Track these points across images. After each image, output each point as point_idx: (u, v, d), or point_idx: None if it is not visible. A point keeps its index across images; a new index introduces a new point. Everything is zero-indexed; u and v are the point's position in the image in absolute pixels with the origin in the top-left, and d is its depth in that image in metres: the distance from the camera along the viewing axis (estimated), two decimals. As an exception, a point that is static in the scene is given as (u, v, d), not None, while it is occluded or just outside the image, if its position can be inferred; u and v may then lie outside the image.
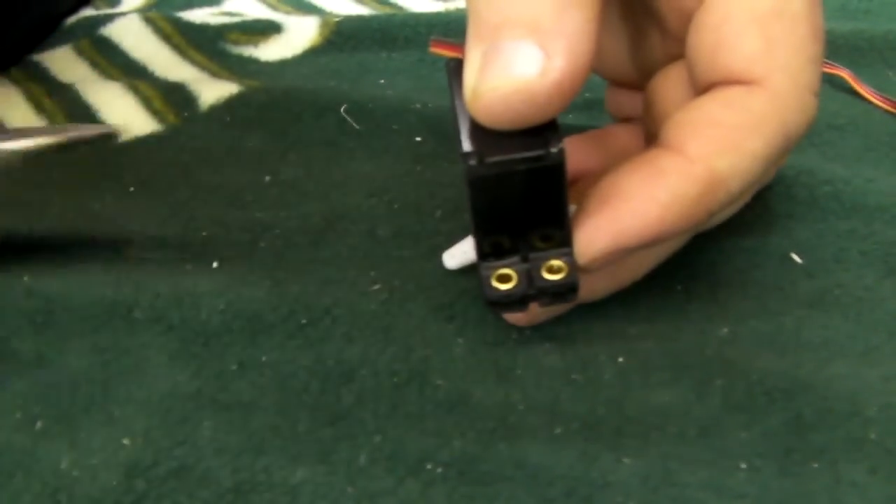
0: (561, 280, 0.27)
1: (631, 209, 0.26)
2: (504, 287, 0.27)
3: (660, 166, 0.26)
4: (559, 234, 0.26)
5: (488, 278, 0.27)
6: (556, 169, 0.25)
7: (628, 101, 0.35)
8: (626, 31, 0.32)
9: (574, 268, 0.27)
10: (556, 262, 0.27)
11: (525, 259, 0.27)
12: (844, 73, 0.43)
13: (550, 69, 0.24)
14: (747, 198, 0.33)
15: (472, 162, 0.25)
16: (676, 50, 0.30)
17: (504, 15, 0.24)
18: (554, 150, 0.25)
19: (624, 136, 0.34)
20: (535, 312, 0.29)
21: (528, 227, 0.26)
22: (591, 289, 0.30)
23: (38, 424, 0.27)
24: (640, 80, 0.33)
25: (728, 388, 0.27)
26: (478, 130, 0.26)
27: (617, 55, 0.33)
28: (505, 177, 0.25)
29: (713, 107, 0.27)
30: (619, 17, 0.32)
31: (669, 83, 0.30)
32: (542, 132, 0.25)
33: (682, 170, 0.26)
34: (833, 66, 0.44)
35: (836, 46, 0.46)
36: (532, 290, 0.27)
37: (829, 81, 0.44)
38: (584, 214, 0.26)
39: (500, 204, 0.26)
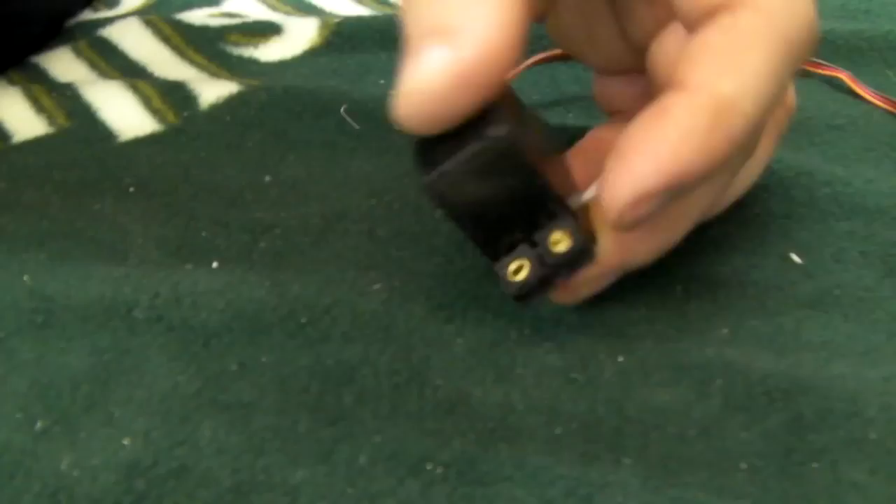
0: (568, 249, 0.27)
1: (643, 153, 0.25)
2: (520, 278, 0.27)
3: (664, 107, 0.26)
4: (552, 209, 0.26)
5: (504, 276, 0.27)
6: (508, 151, 0.25)
7: (619, 91, 0.34)
8: (612, 13, 0.32)
9: (576, 232, 0.27)
10: (555, 235, 0.27)
11: (533, 243, 0.27)
12: (843, 75, 0.43)
13: (453, 61, 0.24)
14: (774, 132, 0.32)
15: (426, 178, 0.25)
16: (665, 14, 0.30)
17: (419, 27, 0.25)
18: (494, 134, 0.25)
19: (612, 137, 0.32)
20: (577, 290, 0.29)
21: (518, 217, 0.26)
22: (633, 252, 0.29)
23: (38, 424, 0.27)
24: (635, 60, 0.32)
25: (728, 387, 0.27)
26: (426, 147, 0.26)
27: (607, 40, 0.33)
28: (463, 179, 0.25)
29: (702, 37, 0.26)
30: (603, 1, 0.32)
31: (667, 45, 0.30)
32: (486, 123, 0.25)
33: (685, 103, 0.25)
34: (832, 67, 0.44)
35: (835, 47, 0.46)
36: (547, 270, 0.27)
37: (829, 83, 0.44)
38: (605, 173, 0.26)
39: (478, 207, 0.26)
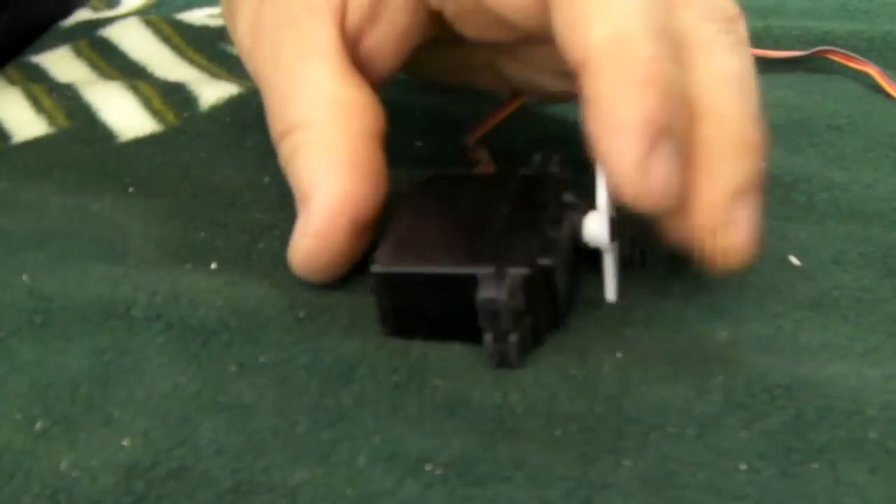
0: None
1: (613, 132, 0.26)
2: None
3: (589, 96, 0.27)
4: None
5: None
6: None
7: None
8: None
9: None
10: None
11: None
12: (873, 70, 0.43)
13: (305, 231, 0.31)
14: None
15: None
16: None
17: (294, 188, 0.32)
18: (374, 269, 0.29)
19: None
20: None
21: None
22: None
23: (38, 425, 0.27)
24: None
25: (728, 384, 0.27)
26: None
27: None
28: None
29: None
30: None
31: None
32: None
33: (591, 77, 0.27)
34: (862, 61, 0.44)
35: (835, 47, 0.46)
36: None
37: (858, 78, 0.44)
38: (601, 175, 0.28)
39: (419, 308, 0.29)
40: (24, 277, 0.32)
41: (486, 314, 0.28)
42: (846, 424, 0.26)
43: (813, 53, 0.45)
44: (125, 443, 0.26)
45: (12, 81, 0.46)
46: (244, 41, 0.35)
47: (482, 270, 0.28)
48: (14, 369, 0.29)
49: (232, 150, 0.40)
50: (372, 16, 0.33)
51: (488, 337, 0.28)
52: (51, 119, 0.43)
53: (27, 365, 0.29)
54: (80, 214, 0.36)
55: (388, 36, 0.34)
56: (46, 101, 0.44)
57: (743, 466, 0.25)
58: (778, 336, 0.30)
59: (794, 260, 0.33)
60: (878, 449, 0.26)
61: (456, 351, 0.29)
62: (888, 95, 0.42)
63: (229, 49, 0.48)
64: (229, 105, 0.43)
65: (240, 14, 0.35)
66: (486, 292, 0.27)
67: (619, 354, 0.29)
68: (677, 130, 0.27)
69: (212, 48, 0.48)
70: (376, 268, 0.29)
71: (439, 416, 0.27)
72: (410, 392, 0.28)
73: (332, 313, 0.30)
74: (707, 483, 0.25)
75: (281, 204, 0.36)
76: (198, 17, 0.52)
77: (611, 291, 0.30)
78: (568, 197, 0.30)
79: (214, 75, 0.46)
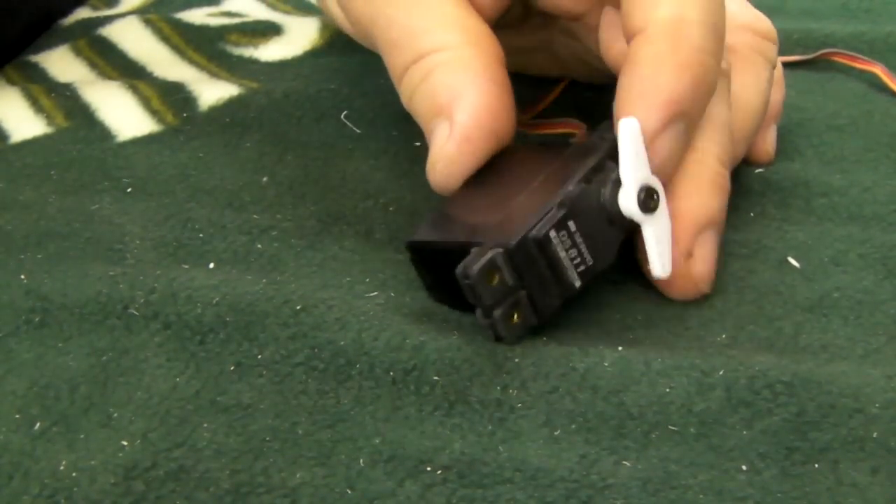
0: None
1: (639, 100, 0.29)
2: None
3: (632, 59, 0.30)
4: None
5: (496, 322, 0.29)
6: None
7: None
8: None
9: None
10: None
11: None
12: (879, 69, 0.43)
13: (451, 136, 0.31)
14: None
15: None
16: None
17: (424, 113, 0.32)
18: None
19: None
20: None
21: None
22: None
23: (37, 426, 0.27)
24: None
25: (730, 380, 0.27)
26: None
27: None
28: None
29: None
30: None
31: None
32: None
33: (643, 44, 0.30)
34: (867, 61, 0.44)
35: (837, 49, 0.46)
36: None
37: (859, 78, 0.44)
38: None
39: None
40: (22, 277, 0.32)
41: (466, 289, 0.28)
42: (848, 423, 0.26)
43: (817, 57, 0.45)
44: (124, 443, 0.26)
45: (11, 81, 0.46)
46: None
47: (477, 243, 0.28)
48: (12, 369, 0.29)
49: (230, 151, 0.40)
50: None
51: (477, 312, 0.28)
52: (49, 119, 0.43)
53: (25, 365, 0.29)
54: (78, 214, 0.36)
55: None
56: (45, 101, 0.44)
57: (744, 467, 0.25)
58: (778, 338, 0.30)
59: (793, 262, 0.33)
60: (880, 448, 0.26)
61: (454, 341, 0.29)
62: (889, 96, 0.42)
63: (229, 49, 0.48)
64: (228, 105, 0.43)
65: None
66: (460, 268, 0.28)
67: (620, 348, 0.29)
68: (692, 117, 0.29)
69: (211, 48, 0.48)
70: (410, 239, 0.31)
71: (439, 415, 0.27)
72: (409, 390, 0.28)
73: (328, 304, 0.30)
74: (708, 484, 0.25)
75: (279, 205, 0.36)
76: (197, 16, 0.52)
77: (657, 266, 0.29)
78: (609, 164, 0.29)
79: (214, 75, 0.46)
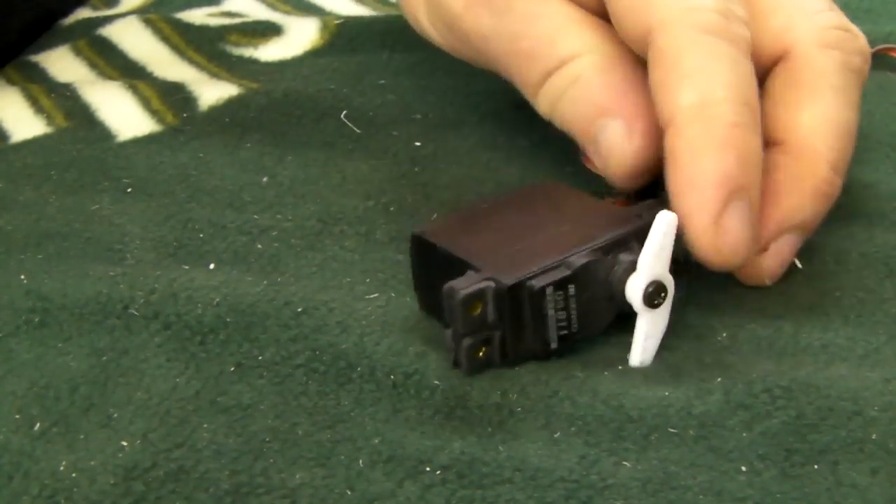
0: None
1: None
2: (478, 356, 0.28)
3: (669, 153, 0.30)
4: None
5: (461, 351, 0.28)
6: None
7: None
8: None
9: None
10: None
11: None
12: None
13: (633, 128, 0.31)
14: None
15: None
16: None
17: (578, 113, 0.33)
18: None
19: None
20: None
21: None
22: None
23: (37, 426, 0.27)
24: None
25: (729, 385, 0.27)
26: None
27: None
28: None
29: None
30: None
31: None
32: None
33: (673, 135, 0.29)
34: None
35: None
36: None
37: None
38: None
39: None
40: (22, 277, 0.32)
41: (446, 308, 0.28)
42: (847, 425, 0.26)
43: (875, 52, 0.45)
44: (124, 444, 0.26)
45: (11, 81, 0.46)
46: (454, 6, 0.35)
47: (477, 267, 0.28)
48: (12, 370, 0.29)
49: (230, 151, 0.40)
50: None
51: (448, 331, 0.28)
52: (49, 119, 0.43)
53: (25, 365, 0.29)
54: (78, 214, 0.36)
55: None
56: (45, 101, 0.44)
57: (744, 468, 0.25)
58: (778, 338, 0.30)
59: (796, 261, 0.33)
60: (880, 450, 0.26)
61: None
62: (890, 96, 0.42)
63: (229, 49, 0.48)
64: (228, 105, 0.43)
65: None
66: (448, 287, 0.27)
67: (619, 367, 0.29)
68: (751, 191, 0.28)
69: (212, 48, 0.48)
70: (417, 231, 0.30)
71: (439, 417, 0.27)
72: (409, 393, 0.28)
73: (329, 307, 0.30)
74: (707, 485, 0.25)
75: (279, 205, 0.36)
76: (197, 16, 0.52)
77: (635, 357, 0.29)
78: (633, 244, 0.29)
79: (214, 75, 0.46)
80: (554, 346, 0.29)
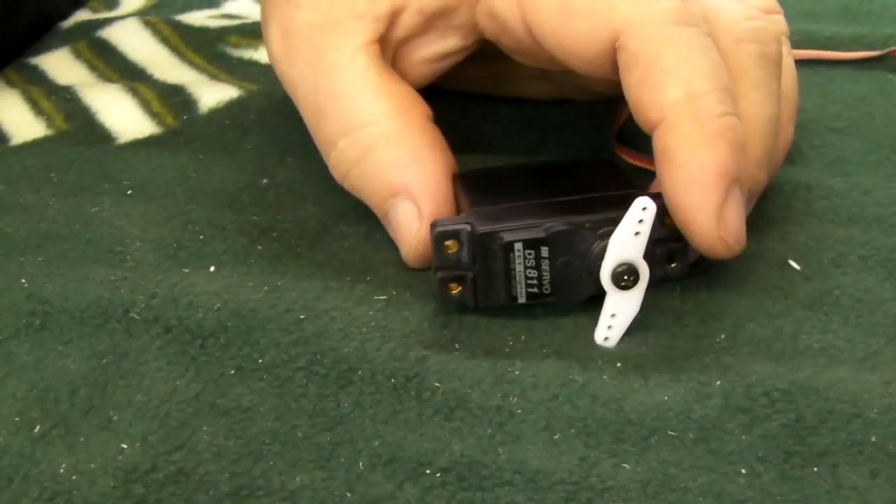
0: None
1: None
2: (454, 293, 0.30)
3: (662, 151, 0.30)
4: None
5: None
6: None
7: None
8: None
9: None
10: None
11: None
12: None
13: (421, 217, 0.32)
14: None
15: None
16: None
17: (370, 188, 0.33)
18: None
19: None
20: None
21: None
22: None
23: (37, 429, 0.27)
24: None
25: (728, 388, 0.27)
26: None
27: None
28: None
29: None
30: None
31: None
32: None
33: (665, 132, 0.29)
34: None
35: (838, 51, 0.46)
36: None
37: (859, 80, 0.44)
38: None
39: None
40: (23, 281, 0.32)
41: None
42: (846, 428, 0.26)
43: (888, 53, 0.45)
44: (124, 446, 0.26)
45: (11, 83, 0.46)
46: (274, 47, 0.35)
47: (469, 212, 0.31)
48: (13, 372, 0.29)
49: (230, 153, 0.40)
50: (423, 30, 0.34)
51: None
52: (49, 121, 0.43)
53: (26, 368, 0.29)
54: (78, 216, 0.36)
55: (434, 52, 0.35)
56: (45, 103, 0.44)
57: (743, 470, 0.25)
58: (777, 338, 0.30)
59: (793, 263, 0.33)
60: (879, 452, 0.26)
61: (455, 353, 0.29)
62: (889, 98, 0.42)
63: (229, 50, 0.48)
64: (228, 107, 0.43)
65: (269, 23, 0.35)
66: (434, 221, 0.30)
67: (618, 364, 0.29)
68: (740, 177, 0.29)
69: (211, 49, 0.48)
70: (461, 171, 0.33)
71: (439, 419, 0.27)
72: (409, 395, 0.28)
73: (330, 316, 0.30)
74: (707, 487, 0.25)
75: (279, 206, 0.36)
76: (197, 18, 0.52)
77: (599, 334, 0.30)
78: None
79: (214, 77, 0.46)
80: (522, 300, 0.30)
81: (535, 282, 0.30)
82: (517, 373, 0.28)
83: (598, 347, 0.29)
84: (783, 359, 0.29)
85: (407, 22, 0.34)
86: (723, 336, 0.30)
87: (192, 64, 0.47)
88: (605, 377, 0.28)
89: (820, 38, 0.47)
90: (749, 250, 0.33)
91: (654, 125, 0.29)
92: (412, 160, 0.32)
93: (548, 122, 0.41)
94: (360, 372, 0.28)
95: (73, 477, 0.26)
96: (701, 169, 0.28)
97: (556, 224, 0.29)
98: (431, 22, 0.34)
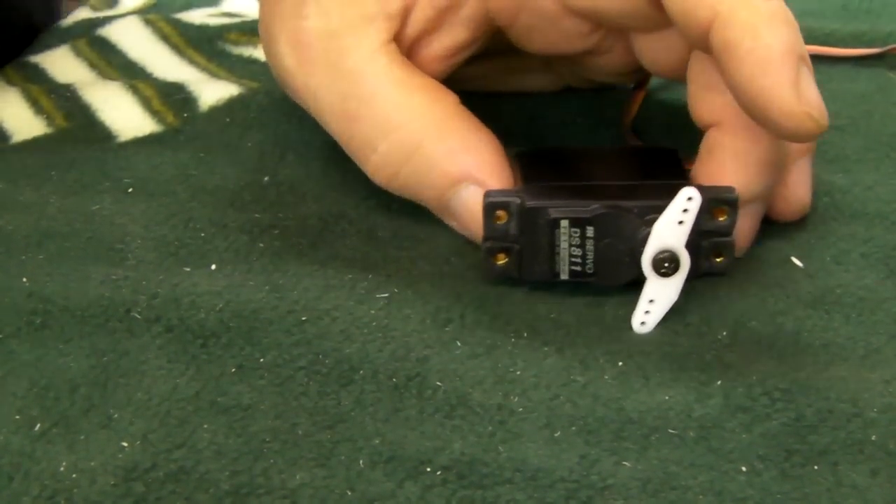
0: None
1: None
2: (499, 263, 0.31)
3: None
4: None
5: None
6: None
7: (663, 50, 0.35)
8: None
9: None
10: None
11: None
12: None
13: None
14: None
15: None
16: None
17: (427, 182, 0.33)
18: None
19: None
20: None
21: None
22: None
23: (37, 427, 0.27)
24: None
25: (728, 388, 0.27)
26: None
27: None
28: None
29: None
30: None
31: None
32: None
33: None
34: None
35: (837, 48, 0.46)
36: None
37: (859, 78, 0.44)
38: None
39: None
40: (24, 279, 0.32)
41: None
42: (846, 427, 0.26)
43: (888, 51, 0.45)
44: (124, 444, 0.26)
45: (11, 82, 0.46)
46: (286, 60, 0.34)
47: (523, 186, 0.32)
48: (13, 371, 0.29)
49: (231, 151, 0.40)
50: (435, 27, 0.34)
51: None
52: (49, 119, 0.43)
53: (26, 366, 0.29)
54: (79, 215, 0.36)
55: (446, 47, 0.35)
56: (45, 102, 0.44)
57: (744, 468, 0.25)
58: (778, 336, 0.30)
59: (795, 261, 0.33)
60: (879, 451, 0.26)
61: (456, 353, 0.29)
62: (889, 96, 0.42)
63: (229, 48, 0.48)
64: (229, 105, 0.43)
65: (277, 36, 0.35)
66: (490, 189, 0.31)
67: (620, 363, 0.29)
68: (806, 54, 0.29)
69: (211, 47, 0.48)
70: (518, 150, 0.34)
71: (439, 417, 0.27)
72: (410, 393, 0.28)
73: (332, 316, 0.30)
74: (708, 485, 0.25)
75: (280, 203, 0.36)
76: (197, 16, 0.52)
77: (636, 319, 0.30)
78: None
79: (214, 75, 0.46)
80: (564, 277, 0.31)
81: (578, 260, 0.31)
82: (518, 372, 0.28)
83: (599, 346, 0.29)
84: (784, 357, 0.29)
85: (418, 17, 0.34)
86: (724, 334, 0.30)
87: (192, 62, 0.47)
88: (605, 376, 0.28)
89: (820, 36, 0.47)
90: (751, 248, 0.33)
91: (706, 24, 0.29)
92: (464, 146, 0.33)
93: (548, 120, 0.41)
94: (361, 371, 0.28)
95: (74, 475, 0.26)
96: (768, 49, 0.28)
97: (603, 206, 0.30)
98: (442, 16, 0.34)
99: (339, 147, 0.40)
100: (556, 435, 0.26)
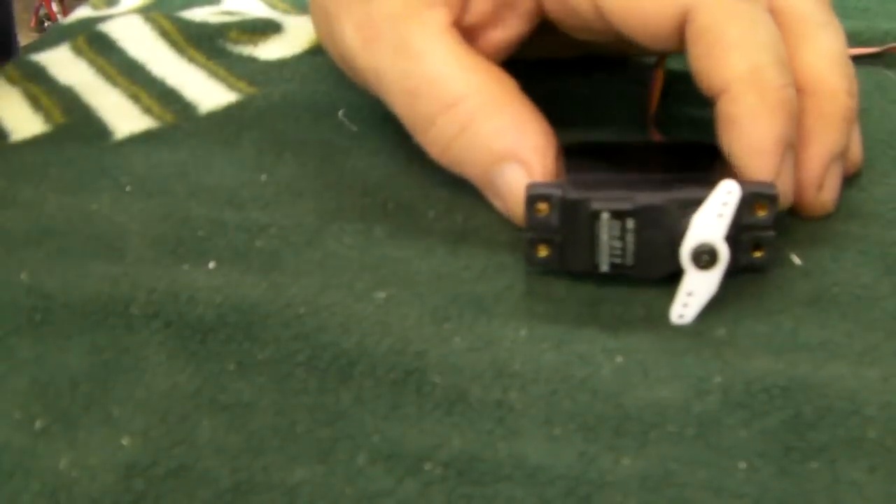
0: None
1: None
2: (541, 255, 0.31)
3: (726, 118, 0.32)
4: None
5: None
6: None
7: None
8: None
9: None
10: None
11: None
12: None
13: (534, 173, 0.33)
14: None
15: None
16: None
17: (473, 157, 0.34)
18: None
19: None
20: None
21: None
22: None
23: (37, 424, 0.27)
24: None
25: (727, 385, 0.27)
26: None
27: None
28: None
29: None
30: None
31: None
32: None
33: (729, 101, 0.32)
34: None
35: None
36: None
37: (857, 77, 0.44)
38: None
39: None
40: (23, 276, 0.32)
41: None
42: (845, 424, 0.26)
43: (886, 50, 0.45)
44: (124, 441, 0.26)
45: (10, 80, 0.46)
46: (351, 41, 0.36)
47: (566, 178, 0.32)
48: (13, 368, 0.29)
49: (229, 148, 0.40)
50: (492, 19, 0.36)
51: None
52: (48, 117, 0.43)
53: (26, 363, 0.29)
54: (77, 212, 0.36)
55: (500, 40, 0.36)
56: (44, 99, 0.44)
57: (742, 465, 0.25)
58: (776, 333, 0.30)
59: (795, 259, 0.33)
60: (878, 447, 0.26)
61: (456, 347, 0.29)
62: (886, 95, 0.42)
63: (228, 47, 0.48)
64: (227, 104, 0.43)
65: (342, 19, 0.36)
66: (533, 181, 0.32)
67: (619, 359, 0.29)
68: (794, 142, 0.32)
69: (211, 45, 0.48)
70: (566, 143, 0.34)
71: (438, 414, 0.27)
72: (409, 390, 0.28)
73: (330, 311, 0.30)
74: (706, 482, 0.25)
75: (278, 202, 0.36)
76: (198, 14, 0.52)
77: (675, 312, 0.30)
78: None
79: (213, 73, 0.46)
80: (605, 269, 0.31)
81: (619, 252, 0.31)
82: (517, 367, 0.28)
83: (598, 343, 0.29)
84: (782, 354, 0.29)
85: (477, 9, 0.35)
86: (722, 331, 0.30)
87: (191, 60, 0.47)
88: (604, 372, 0.28)
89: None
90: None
91: (717, 93, 0.32)
92: (515, 125, 0.33)
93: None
94: (359, 367, 0.29)
95: (74, 472, 0.26)
96: (760, 139, 0.31)
97: (645, 198, 0.30)
98: (499, 10, 0.36)
99: (337, 145, 0.40)
100: (555, 432, 0.26)
